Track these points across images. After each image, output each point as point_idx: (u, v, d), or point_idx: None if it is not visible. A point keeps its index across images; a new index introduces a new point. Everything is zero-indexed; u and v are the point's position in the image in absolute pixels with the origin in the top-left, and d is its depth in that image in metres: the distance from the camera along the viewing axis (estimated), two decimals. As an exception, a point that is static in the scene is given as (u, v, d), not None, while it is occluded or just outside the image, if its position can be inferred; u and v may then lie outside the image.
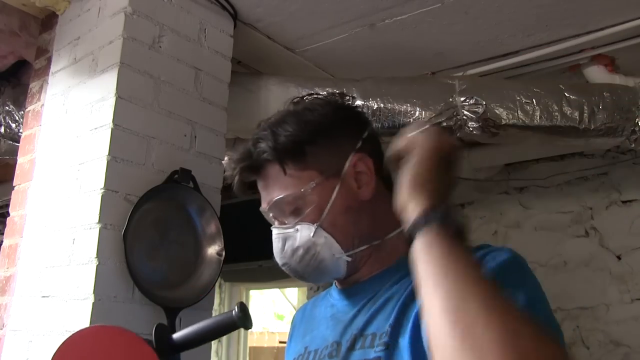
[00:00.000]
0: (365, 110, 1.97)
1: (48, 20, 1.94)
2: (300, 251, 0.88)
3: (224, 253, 1.65)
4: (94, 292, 1.40)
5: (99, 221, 1.45)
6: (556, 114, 1.92)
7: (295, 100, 0.98)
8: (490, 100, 1.92)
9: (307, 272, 0.90)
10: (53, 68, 1.84)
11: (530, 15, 1.93)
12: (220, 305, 4.52)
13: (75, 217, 1.52)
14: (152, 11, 1.67)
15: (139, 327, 1.46)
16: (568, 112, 1.92)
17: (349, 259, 0.88)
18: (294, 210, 0.88)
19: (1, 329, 1.64)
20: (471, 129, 1.92)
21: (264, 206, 0.92)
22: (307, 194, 0.87)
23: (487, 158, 2.85)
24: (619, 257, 2.83)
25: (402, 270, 0.81)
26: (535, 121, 1.92)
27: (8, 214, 1.81)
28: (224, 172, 1.28)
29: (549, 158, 3.08)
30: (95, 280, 1.40)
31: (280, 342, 5.52)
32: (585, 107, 1.92)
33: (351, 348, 0.82)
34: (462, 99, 1.92)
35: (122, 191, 1.50)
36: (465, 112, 1.91)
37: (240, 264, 3.83)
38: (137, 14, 1.63)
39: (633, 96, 1.97)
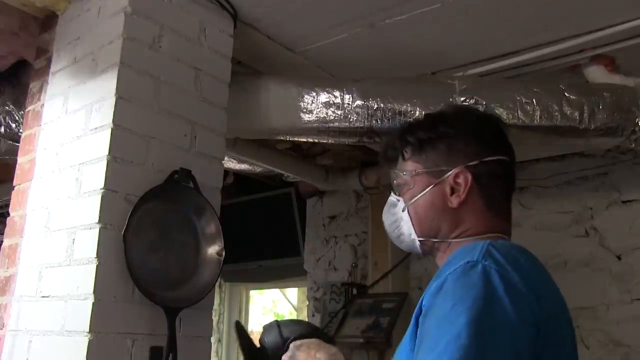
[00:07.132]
0: (365, 110, 1.97)
1: (48, 20, 1.94)
2: (392, 218, 1.13)
3: (224, 253, 1.65)
4: (94, 292, 1.40)
5: (99, 221, 1.45)
6: (556, 114, 1.92)
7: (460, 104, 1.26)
8: (490, 101, 1.91)
9: (392, 236, 1.14)
10: (53, 68, 1.84)
11: (530, 15, 1.93)
12: (220, 305, 4.52)
13: (75, 217, 1.52)
14: (152, 11, 1.67)
15: (139, 327, 1.48)
16: (568, 112, 1.92)
17: (419, 243, 1.08)
18: (399, 186, 1.12)
19: (1, 329, 1.64)
20: (471, 129, 1.92)
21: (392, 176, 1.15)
22: (407, 178, 1.09)
23: (487, 158, 2.85)
24: (619, 257, 2.83)
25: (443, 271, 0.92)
26: (535, 121, 1.91)
27: (8, 214, 1.81)
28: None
29: (549, 158, 3.07)
30: (95, 280, 1.40)
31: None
32: (585, 107, 1.92)
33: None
34: (462, 99, 1.92)
35: (122, 191, 1.50)
36: (466, 112, 1.91)
37: (240, 264, 3.83)
38: (137, 14, 1.63)
39: (633, 96, 1.97)
